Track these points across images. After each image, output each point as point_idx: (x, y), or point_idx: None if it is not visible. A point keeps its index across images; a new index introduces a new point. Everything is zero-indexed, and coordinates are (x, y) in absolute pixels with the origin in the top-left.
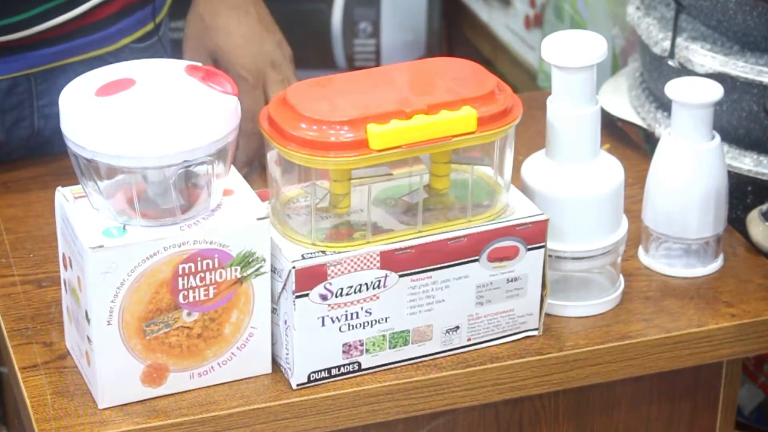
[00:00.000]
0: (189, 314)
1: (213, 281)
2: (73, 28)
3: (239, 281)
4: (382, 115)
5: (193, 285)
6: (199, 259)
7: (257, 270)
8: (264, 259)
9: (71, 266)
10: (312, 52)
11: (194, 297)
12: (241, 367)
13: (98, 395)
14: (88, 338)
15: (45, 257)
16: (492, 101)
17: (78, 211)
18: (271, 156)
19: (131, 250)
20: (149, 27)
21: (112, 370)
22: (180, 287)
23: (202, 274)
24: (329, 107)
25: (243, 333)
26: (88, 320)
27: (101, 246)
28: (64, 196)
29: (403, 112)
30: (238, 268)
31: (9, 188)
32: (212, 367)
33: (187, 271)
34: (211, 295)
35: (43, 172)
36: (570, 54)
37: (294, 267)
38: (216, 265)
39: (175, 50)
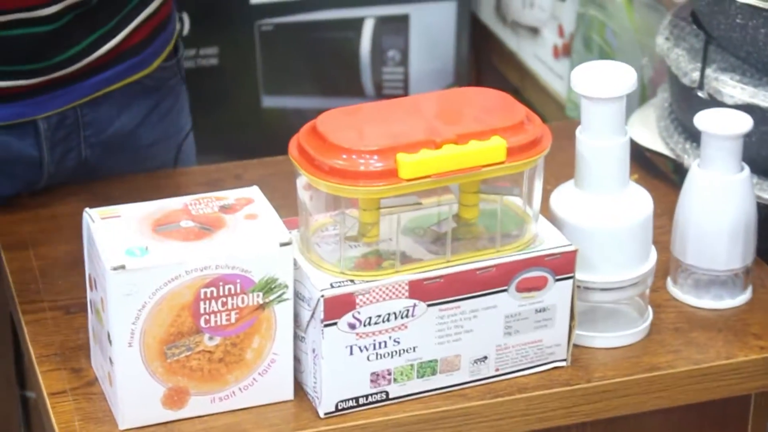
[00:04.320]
0: (211, 338)
1: (235, 306)
2: (113, 55)
3: (261, 307)
4: (412, 144)
5: (215, 309)
6: (221, 283)
7: (280, 296)
8: (287, 286)
9: (96, 287)
10: (340, 80)
11: (216, 321)
12: (263, 392)
13: (119, 416)
14: (110, 359)
15: (74, 283)
16: (521, 131)
17: (103, 232)
18: (300, 183)
19: (153, 273)
20: (171, 46)
21: (133, 392)
22: (202, 311)
23: (224, 299)
24: (359, 136)
25: (265, 359)
26: (110, 341)
27: (123, 266)
28: (90, 216)
29: (433, 142)
30: (261, 293)
31: (38, 214)
32: (233, 392)
33: (209, 295)
34: (233, 320)
35: (74, 198)
36: (599, 85)
37: (323, 296)
38: (238, 290)
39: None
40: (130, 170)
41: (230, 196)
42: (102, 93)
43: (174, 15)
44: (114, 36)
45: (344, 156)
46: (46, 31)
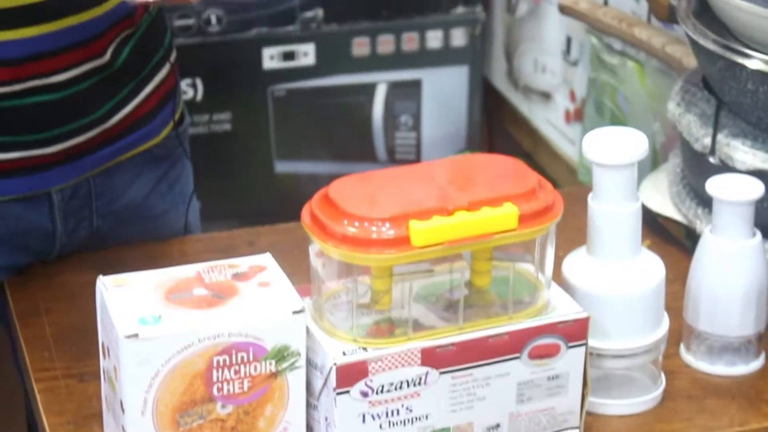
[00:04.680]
0: (223, 407)
1: (248, 374)
2: (126, 124)
3: (274, 375)
4: (424, 211)
5: (228, 377)
6: (233, 351)
7: (292, 364)
8: (299, 353)
9: (109, 355)
10: (353, 145)
11: (229, 390)
12: None
13: None
14: (123, 428)
15: (87, 351)
16: (533, 198)
17: (116, 300)
18: (312, 251)
19: (166, 341)
20: (178, 114)
21: None
22: (214, 379)
23: (237, 367)
24: (371, 203)
25: (277, 427)
26: (123, 409)
27: (136, 335)
28: (104, 284)
29: (445, 209)
30: (273, 361)
31: (52, 282)
32: None
33: (221, 363)
34: (245, 389)
35: (87, 265)
36: (611, 152)
37: (335, 364)
38: (251, 358)
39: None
40: (140, 239)
41: (243, 263)
42: (114, 163)
43: (179, 84)
44: (127, 104)
45: (356, 223)
46: (61, 98)
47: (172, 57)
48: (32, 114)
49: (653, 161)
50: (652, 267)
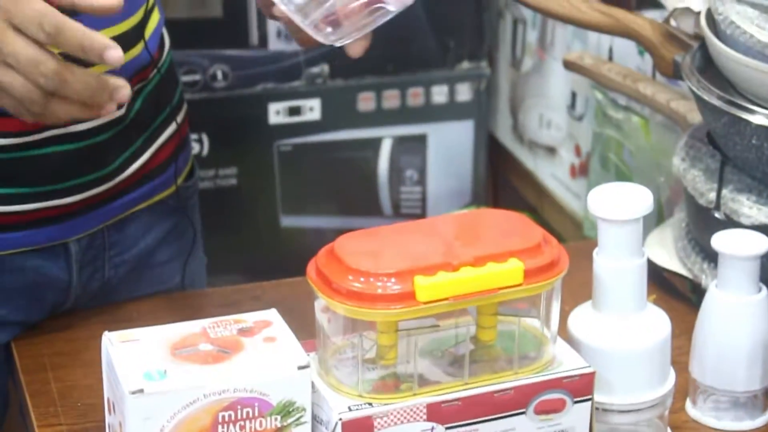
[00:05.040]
0: None
1: (253, 430)
2: (142, 174)
3: (279, 430)
4: (429, 267)
5: None
6: (239, 407)
7: (298, 419)
8: (305, 409)
9: (114, 411)
10: (358, 199)
11: None
12: None
13: None
14: None
15: (92, 406)
16: (538, 254)
17: (122, 355)
18: (318, 306)
19: (171, 396)
20: (190, 165)
21: None
22: None
23: (242, 423)
24: (376, 259)
25: None
26: None
27: (141, 390)
28: (109, 340)
29: (450, 264)
30: (278, 417)
31: (57, 336)
32: None
33: (227, 419)
34: None
35: (93, 320)
36: (616, 207)
37: (341, 419)
38: (256, 414)
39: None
40: (146, 290)
41: (249, 319)
42: (128, 213)
43: (189, 137)
44: (140, 156)
45: (362, 279)
46: (79, 148)
47: (183, 110)
48: (51, 164)
49: (658, 216)
50: (658, 322)
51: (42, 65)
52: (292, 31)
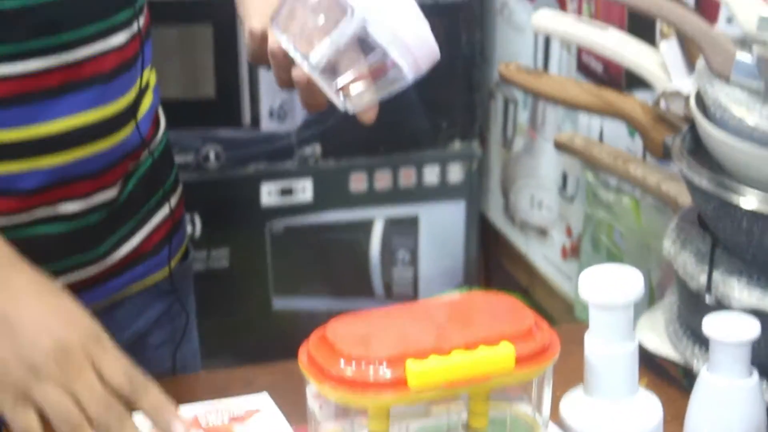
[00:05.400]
0: None
1: None
2: (133, 257)
3: None
4: (421, 351)
5: None
6: None
7: None
8: None
9: None
10: (351, 281)
11: None
12: None
13: None
14: None
15: None
16: (530, 339)
17: None
18: (310, 392)
19: None
20: (184, 247)
21: None
22: None
23: None
24: (368, 344)
25: None
26: None
27: None
28: None
29: (442, 349)
30: None
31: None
32: None
33: None
34: None
35: None
36: (607, 292)
37: None
38: None
39: None
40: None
41: (240, 405)
42: (120, 296)
43: (185, 218)
44: (131, 238)
45: (353, 364)
46: (69, 230)
47: (178, 192)
48: (40, 245)
49: (650, 298)
50: (650, 407)
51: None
52: (304, 96)
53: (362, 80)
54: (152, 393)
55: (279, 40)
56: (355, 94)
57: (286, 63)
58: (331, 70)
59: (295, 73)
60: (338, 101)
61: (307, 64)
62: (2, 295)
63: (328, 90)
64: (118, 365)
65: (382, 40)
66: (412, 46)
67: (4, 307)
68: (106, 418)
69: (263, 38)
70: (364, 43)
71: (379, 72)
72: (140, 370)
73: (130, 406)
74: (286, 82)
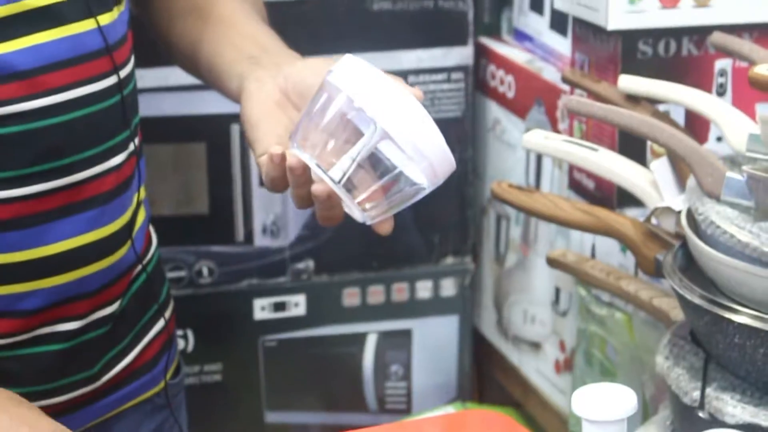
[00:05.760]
0: None
1: None
2: (128, 373)
3: None
4: None
5: None
6: None
7: None
8: None
9: None
10: (343, 395)
11: None
12: None
13: None
14: None
15: None
16: None
17: None
18: None
19: None
20: (176, 362)
21: None
22: None
23: None
24: None
25: None
26: None
27: None
28: None
29: None
30: None
31: None
32: None
33: None
34: None
35: None
36: (600, 408)
37: None
38: None
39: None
40: None
41: None
42: (116, 412)
43: (176, 334)
44: (127, 354)
45: None
46: (68, 347)
47: (170, 306)
48: (39, 364)
49: (643, 413)
50: None
51: None
52: (323, 210)
53: (380, 193)
54: None
55: (301, 157)
56: (373, 206)
57: (304, 180)
58: (350, 183)
59: (315, 189)
60: (358, 214)
61: (329, 178)
62: None
63: (350, 203)
64: None
65: (402, 154)
66: (432, 157)
67: None
68: None
69: (283, 158)
70: (383, 156)
71: (397, 184)
72: None
73: None
74: (305, 199)
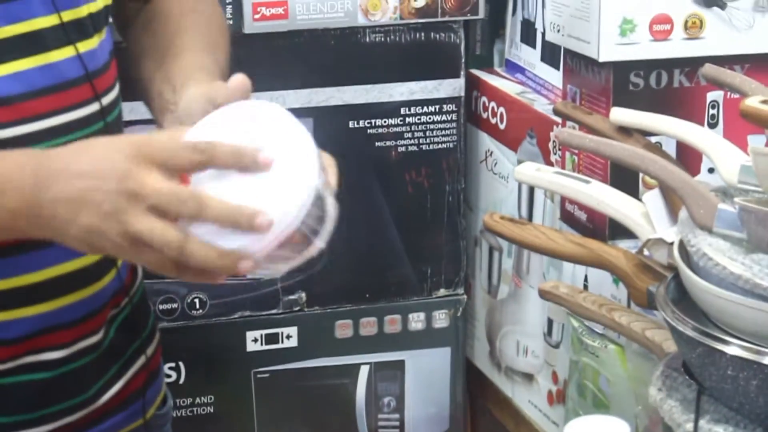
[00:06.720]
0: None
1: None
2: (115, 403)
3: None
4: None
5: None
6: None
7: None
8: None
9: None
10: (336, 426)
11: None
12: None
13: None
14: None
15: None
16: None
17: None
18: None
19: None
20: (162, 393)
21: None
22: None
23: None
24: None
25: None
26: None
27: None
28: None
29: None
30: None
31: None
32: None
33: None
34: None
35: None
36: None
37: None
38: None
39: None
40: None
41: None
42: None
43: (162, 365)
44: (113, 384)
45: None
46: (52, 377)
47: (154, 342)
48: (24, 393)
49: None
50: None
51: (172, 243)
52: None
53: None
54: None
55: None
56: (270, 263)
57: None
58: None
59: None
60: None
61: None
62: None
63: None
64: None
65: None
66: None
67: (60, 165)
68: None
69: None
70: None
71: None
72: None
73: None
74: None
